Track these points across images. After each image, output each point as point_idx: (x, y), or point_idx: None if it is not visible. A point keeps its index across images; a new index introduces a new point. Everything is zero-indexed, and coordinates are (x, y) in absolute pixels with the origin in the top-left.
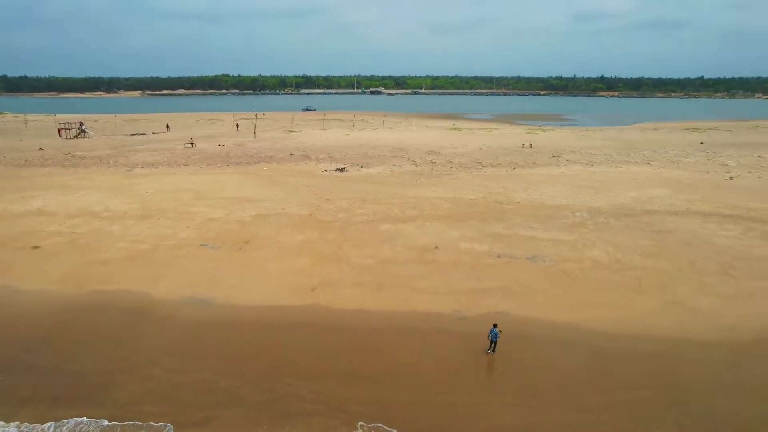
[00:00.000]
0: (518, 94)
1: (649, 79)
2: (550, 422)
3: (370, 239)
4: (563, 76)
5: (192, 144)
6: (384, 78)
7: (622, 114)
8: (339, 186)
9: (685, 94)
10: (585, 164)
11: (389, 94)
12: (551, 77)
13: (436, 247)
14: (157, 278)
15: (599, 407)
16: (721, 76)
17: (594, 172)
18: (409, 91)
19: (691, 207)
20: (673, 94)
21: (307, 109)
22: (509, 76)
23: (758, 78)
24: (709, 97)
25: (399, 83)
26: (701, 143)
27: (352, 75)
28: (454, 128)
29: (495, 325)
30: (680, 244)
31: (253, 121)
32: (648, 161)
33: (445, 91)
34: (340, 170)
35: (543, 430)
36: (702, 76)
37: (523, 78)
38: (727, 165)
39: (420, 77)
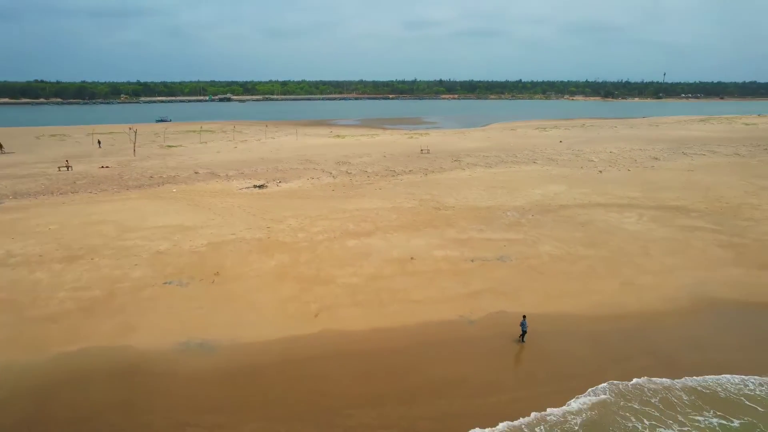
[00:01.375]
0: (369, 98)
1: (479, 82)
2: (599, 416)
3: (345, 257)
4: (402, 79)
5: (68, 167)
6: (230, 83)
7: (473, 115)
8: (272, 204)
9: (512, 96)
10: (485, 166)
11: (240, 101)
12: (395, 81)
13: (412, 258)
14: (131, 328)
15: (623, 379)
16: (535, 80)
17: (495, 173)
18: (260, 97)
19: (591, 200)
20: (502, 96)
21: (162, 120)
22: (354, 80)
23: (561, 81)
24: (530, 98)
25: (248, 89)
26: (560, 141)
27: (192, 81)
28: (337, 136)
29: (524, 317)
30: (603, 233)
31: (128, 136)
32: (533, 160)
33: (297, 96)
34: (259, 187)
35: (591, 409)
36: (520, 80)
37: (369, 82)
38: (592, 161)
39: (268, 82)
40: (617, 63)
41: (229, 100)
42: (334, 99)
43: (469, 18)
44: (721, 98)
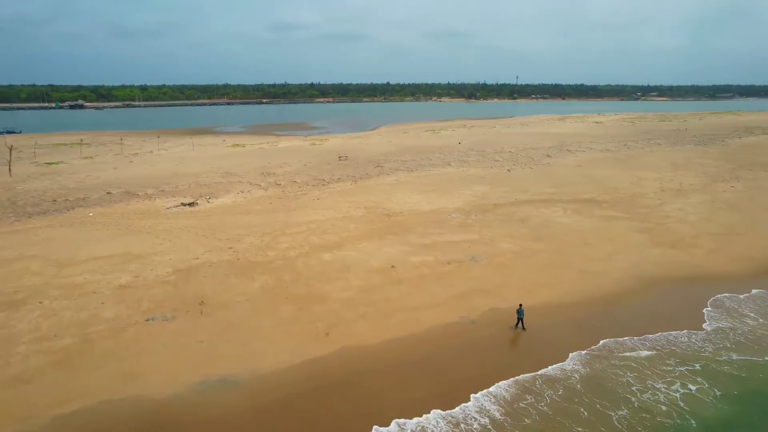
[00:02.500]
0: (242, 104)
1: (350, 85)
2: (593, 371)
3: (328, 271)
4: (273, 83)
5: None
6: (77, 88)
7: (356, 118)
8: (216, 222)
9: (385, 98)
10: (406, 171)
11: (96, 108)
12: (264, 84)
13: (393, 266)
14: (132, 376)
15: (615, 357)
16: (401, 82)
17: (419, 177)
18: (119, 103)
19: (517, 197)
20: (375, 99)
21: (9, 132)
22: (219, 83)
23: (427, 84)
24: (401, 100)
25: (102, 95)
26: (459, 143)
27: (27, 84)
28: (235, 145)
29: (521, 305)
30: (542, 228)
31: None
32: (447, 163)
33: (162, 102)
34: (189, 205)
35: (589, 375)
36: (388, 82)
37: (238, 86)
38: (498, 161)
39: (123, 87)
40: (474, 66)
41: (81, 107)
42: (205, 105)
43: (335, 22)
44: (563, 99)
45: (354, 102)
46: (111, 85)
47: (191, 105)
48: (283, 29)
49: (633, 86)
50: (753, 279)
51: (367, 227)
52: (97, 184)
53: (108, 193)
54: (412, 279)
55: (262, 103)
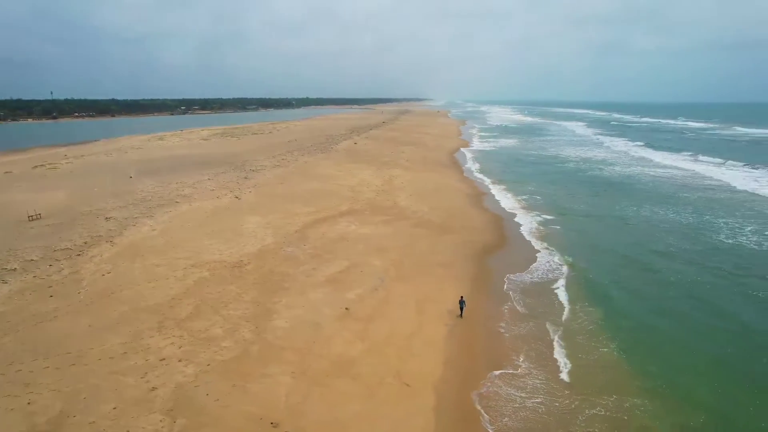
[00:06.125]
0: None
1: None
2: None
3: (307, 338)
4: None
5: None
6: None
7: None
8: (51, 341)
9: None
10: (148, 218)
11: None
12: None
13: (347, 309)
14: None
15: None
16: None
17: (173, 220)
18: None
19: (302, 220)
20: None
21: None
22: None
23: None
24: None
25: None
26: (131, 177)
27: None
28: None
29: (462, 297)
30: (366, 242)
31: None
32: (173, 201)
33: None
34: None
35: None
36: None
37: None
38: (213, 190)
39: None
40: None
41: None
42: None
43: None
44: (113, 116)
45: None
46: None
47: None
48: None
49: (173, 100)
50: (506, 241)
51: (250, 285)
52: None
53: None
54: (374, 313)
55: None
